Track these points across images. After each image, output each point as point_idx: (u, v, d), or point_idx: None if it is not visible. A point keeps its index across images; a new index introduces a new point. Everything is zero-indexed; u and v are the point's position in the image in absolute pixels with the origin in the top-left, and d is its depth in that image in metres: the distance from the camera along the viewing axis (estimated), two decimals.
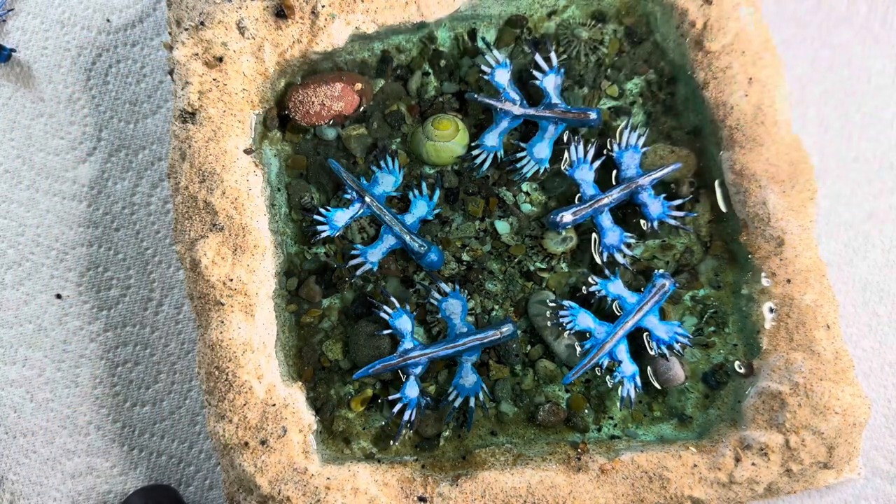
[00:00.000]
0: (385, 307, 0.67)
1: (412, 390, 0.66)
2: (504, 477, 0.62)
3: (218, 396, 0.62)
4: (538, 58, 0.69)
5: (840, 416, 0.61)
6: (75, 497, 0.74)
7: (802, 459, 0.61)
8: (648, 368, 0.67)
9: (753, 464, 0.61)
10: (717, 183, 0.68)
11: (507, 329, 0.66)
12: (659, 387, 0.67)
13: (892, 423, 0.71)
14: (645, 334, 0.67)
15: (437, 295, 0.68)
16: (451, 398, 0.67)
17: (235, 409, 0.61)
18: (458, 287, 0.68)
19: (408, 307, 0.68)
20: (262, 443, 0.61)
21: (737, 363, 0.67)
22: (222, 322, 0.62)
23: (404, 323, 0.67)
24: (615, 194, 0.67)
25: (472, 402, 0.67)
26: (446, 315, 0.67)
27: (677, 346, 0.66)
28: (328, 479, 0.61)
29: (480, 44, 0.71)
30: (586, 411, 0.68)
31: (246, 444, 0.61)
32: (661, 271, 0.68)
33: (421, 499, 0.62)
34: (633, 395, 0.66)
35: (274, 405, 0.62)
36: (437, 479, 0.63)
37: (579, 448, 0.64)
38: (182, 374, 0.76)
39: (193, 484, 0.75)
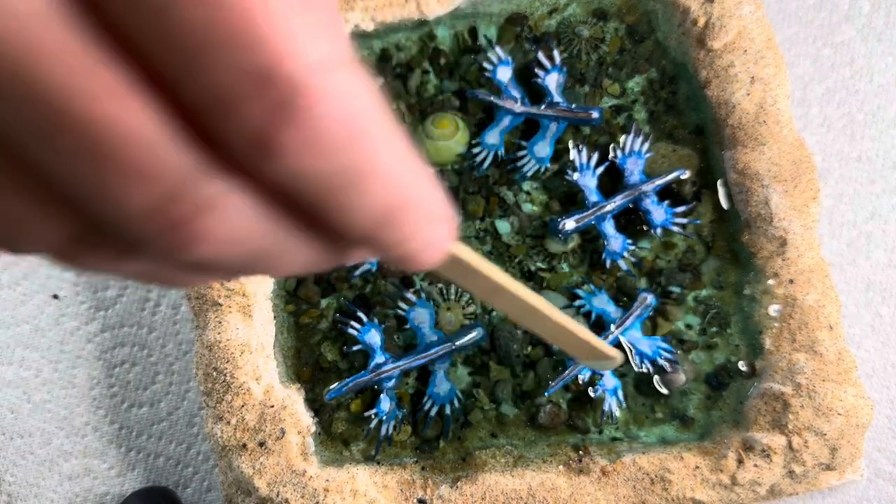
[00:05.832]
0: (353, 323, 0.66)
1: (386, 404, 0.65)
2: (504, 479, 0.62)
3: (216, 398, 0.61)
4: (541, 55, 0.68)
5: (843, 418, 0.60)
6: (72, 499, 0.74)
7: (805, 461, 0.61)
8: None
9: (756, 465, 0.61)
10: (719, 182, 0.68)
11: (475, 333, 0.65)
12: (666, 391, 0.66)
13: (895, 425, 0.71)
14: (627, 346, 0.66)
15: (403, 305, 0.67)
16: (426, 408, 0.66)
17: (233, 410, 0.61)
18: (423, 295, 0.67)
19: (376, 320, 0.66)
20: (261, 444, 0.61)
21: (740, 363, 0.66)
22: (220, 323, 0.62)
23: (373, 337, 0.66)
24: (618, 201, 0.66)
25: (447, 410, 0.66)
26: (414, 325, 0.66)
27: (661, 361, 0.65)
28: (327, 480, 0.61)
29: (483, 41, 0.70)
30: (587, 413, 0.67)
31: (244, 445, 0.61)
32: (643, 287, 0.67)
33: (421, 501, 0.62)
34: (615, 409, 0.65)
35: (272, 406, 0.62)
36: (437, 481, 0.63)
37: (580, 450, 0.64)
38: (179, 376, 0.76)
39: (191, 486, 0.74)
